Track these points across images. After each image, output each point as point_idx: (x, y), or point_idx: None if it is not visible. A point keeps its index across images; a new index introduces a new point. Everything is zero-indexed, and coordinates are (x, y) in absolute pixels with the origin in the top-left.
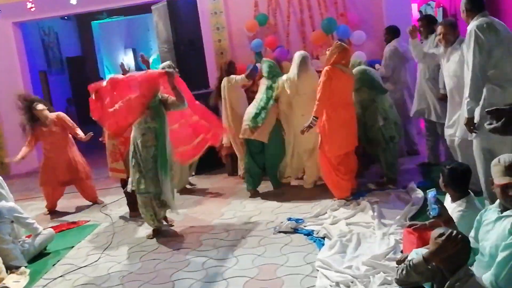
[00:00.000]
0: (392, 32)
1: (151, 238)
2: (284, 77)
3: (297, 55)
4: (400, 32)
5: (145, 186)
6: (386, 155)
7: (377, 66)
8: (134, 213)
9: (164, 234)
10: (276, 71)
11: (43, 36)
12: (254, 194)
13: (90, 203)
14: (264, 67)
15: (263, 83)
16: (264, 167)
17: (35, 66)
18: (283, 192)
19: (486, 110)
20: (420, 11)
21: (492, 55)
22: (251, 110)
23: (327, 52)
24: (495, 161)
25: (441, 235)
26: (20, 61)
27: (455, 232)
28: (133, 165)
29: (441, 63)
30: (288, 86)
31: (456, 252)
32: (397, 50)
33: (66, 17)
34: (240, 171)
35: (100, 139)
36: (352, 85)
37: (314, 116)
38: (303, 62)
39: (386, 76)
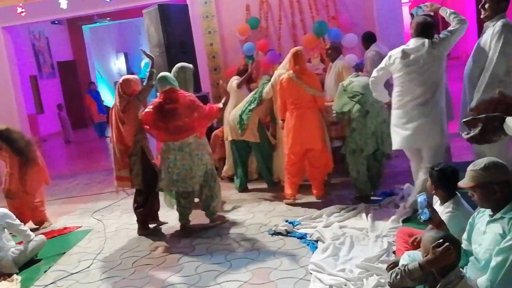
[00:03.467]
0: (369, 38)
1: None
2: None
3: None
4: (376, 38)
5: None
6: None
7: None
8: (143, 231)
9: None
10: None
11: (33, 41)
12: (243, 191)
13: (81, 208)
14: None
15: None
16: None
17: (25, 71)
18: (276, 195)
19: (463, 120)
20: (411, 14)
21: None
22: (236, 112)
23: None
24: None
25: (439, 245)
26: (10, 66)
27: (451, 241)
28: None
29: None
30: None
31: (447, 255)
32: (378, 53)
33: (56, 21)
34: (225, 173)
35: None
36: (306, 89)
37: (281, 119)
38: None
39: None
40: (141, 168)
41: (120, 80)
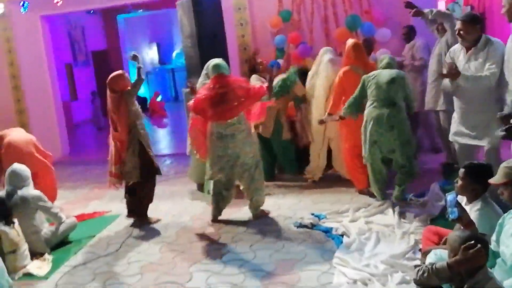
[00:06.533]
0: (414, 31)
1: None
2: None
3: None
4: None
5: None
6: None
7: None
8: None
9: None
10: (286, 84)
11: (69, 30)
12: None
13: (111, 194)
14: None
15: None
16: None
17: (61, 59)
18: (302, 189)
19: (499, 114)
20: (447, 9)
21: None
22: None
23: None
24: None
25: (469, 246)
26: (47, 54)
27: (478, 241)
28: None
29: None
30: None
31: (476, 255)
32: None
33: (92, 11)
34: None
35: None
36: None
37: (328, 113)
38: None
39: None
40: (138, 161)
41: (108, 79)
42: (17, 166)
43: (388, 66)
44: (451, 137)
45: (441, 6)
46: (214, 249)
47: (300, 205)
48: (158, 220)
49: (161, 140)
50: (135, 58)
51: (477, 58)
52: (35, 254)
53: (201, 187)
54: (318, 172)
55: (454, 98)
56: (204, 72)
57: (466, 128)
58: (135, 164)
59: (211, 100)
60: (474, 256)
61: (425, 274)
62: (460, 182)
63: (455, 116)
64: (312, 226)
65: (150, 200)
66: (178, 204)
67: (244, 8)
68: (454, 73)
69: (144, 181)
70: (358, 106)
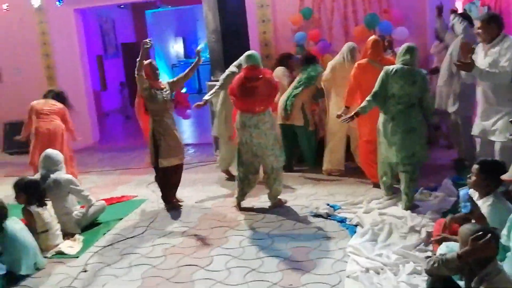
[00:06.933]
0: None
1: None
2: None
3: (347, 46)
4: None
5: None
6: None
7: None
8: (166, 205)
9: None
10: (312, 76)
11: (101, 23)
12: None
13: (138, 179)
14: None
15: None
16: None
17: (92, 50)
18: (319, 180)
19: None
20: (464, 9)
21: None
22: (283, 98)
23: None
24: None
25: (478, 237)
26: (79, 46)
27: (492, 234)
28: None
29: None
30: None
31: (486, 247)
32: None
33: (122, 6)
34: None
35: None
36: None
37: (345, 106)
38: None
39: None
40: (152, 148)
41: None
42: (50, 151)
43: (410, 62)
44: (473, 132)
45: (459, 6)
46: (234, 235)
47: (316, 196)
48: (179, 203)
49: (186, 130)
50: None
51: (492, 54)
52: (67, 234)
53: (230, 174)
54: (341, 164)
55: (477, 93)
56: (236, 63)
57: (485, 123)
58: (151, 150)
59: (240, 90)
60: (483, 246)
61: (436, 265)
62: (473, 177)
63: (478, 111)
64: (328, 216)
65: (162, 186)
66: (200, 191)
67: (266, 6)
68: (466, 63)
69: (155, 167)
70: (381, 101)
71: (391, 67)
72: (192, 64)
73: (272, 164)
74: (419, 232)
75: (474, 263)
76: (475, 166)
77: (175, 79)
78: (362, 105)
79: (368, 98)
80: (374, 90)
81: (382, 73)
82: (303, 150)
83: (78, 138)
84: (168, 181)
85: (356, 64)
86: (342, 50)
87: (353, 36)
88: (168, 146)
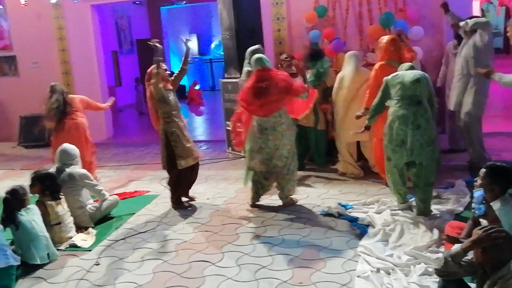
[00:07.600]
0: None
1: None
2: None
3: (348, 55)
4: None
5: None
6: None
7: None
8: (175, 205)
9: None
10: (320, 73)
11: (116, 19)
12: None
13: (150, 175)
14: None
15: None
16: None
17: (108, 46)
18: (330, 179)
19: None
20: (481, 9)
21: None
22: None
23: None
24: None
25: (481, 228)
26: (95, 41)
27: (497, 227)
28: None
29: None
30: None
31: (498, 248)
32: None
33: (138, 2)
34: None
35: None
36: None
37: (365, 107)
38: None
39: None
40: (165, 151)
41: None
42: (67, 145)
43: (411, 68)
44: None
45: (476, 6)
46: (245, 232)
47: (328, 195)
48: (190, 202)
49: (198, 127)
50: (187, 50)
51: None
52: (80, 228)
53: None
54: (355, 169)
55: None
56: (246, 61)
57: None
58: (162, 153)
59: (253, 93)
60: (487, 236)
61: (443, 261)
62: (479, 181)
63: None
64: (339, 215)
65: (175, 188)
66: (212, 188)
67: (281, 3)
68: (485, 72)
69: (169, 169)
70: (381, 110)
71: (393, 75)
72: (183, 58)
73: (288, 166)
74: (431, 233)
75: (487, 264)
76: (483, 170)
77: (173, 77)
78: (368, 118)
79: (372, 110)
80: (377, 100)
81: (382, 85)
82: (312, 151)
83: (109, 103)
84: (182, 181)
85: (377, 66)
86: (345, 61)
87: (367, 35)
88: (184, 147)
